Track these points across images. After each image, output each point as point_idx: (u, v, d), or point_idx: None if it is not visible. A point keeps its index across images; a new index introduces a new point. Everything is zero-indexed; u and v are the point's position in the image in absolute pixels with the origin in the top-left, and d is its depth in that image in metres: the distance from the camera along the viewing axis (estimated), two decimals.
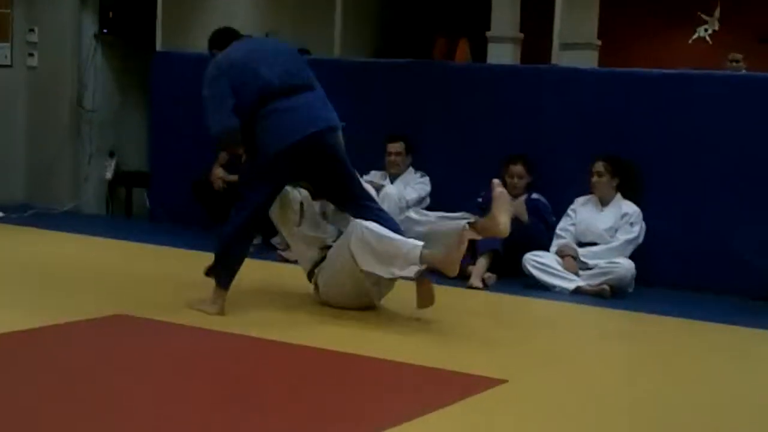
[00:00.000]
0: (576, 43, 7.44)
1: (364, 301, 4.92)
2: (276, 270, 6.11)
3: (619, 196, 6.22)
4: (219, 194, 6.91)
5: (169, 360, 3.99)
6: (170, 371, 3.83)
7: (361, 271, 4.71)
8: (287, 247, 6.38)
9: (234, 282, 4.81)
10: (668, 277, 6.23)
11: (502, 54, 7.87)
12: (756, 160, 6.12)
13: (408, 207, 6.53)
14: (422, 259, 4.56)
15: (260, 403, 3.44)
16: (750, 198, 6.11)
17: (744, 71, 8.27)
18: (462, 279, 5.85)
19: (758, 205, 6.09)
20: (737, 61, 8.80)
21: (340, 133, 4.87)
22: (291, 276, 5.59)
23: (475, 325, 4.92)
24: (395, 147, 6.84)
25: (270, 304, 5.03)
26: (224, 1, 8.54)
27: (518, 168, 6.40)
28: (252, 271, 5.82)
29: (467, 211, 6.22)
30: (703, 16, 11.10)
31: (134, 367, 3.82)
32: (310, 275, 5.08)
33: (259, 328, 4.47)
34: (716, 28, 11.08)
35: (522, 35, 8.19)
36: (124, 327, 4.49)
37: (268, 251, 6.65)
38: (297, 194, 5.11)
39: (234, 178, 6.51)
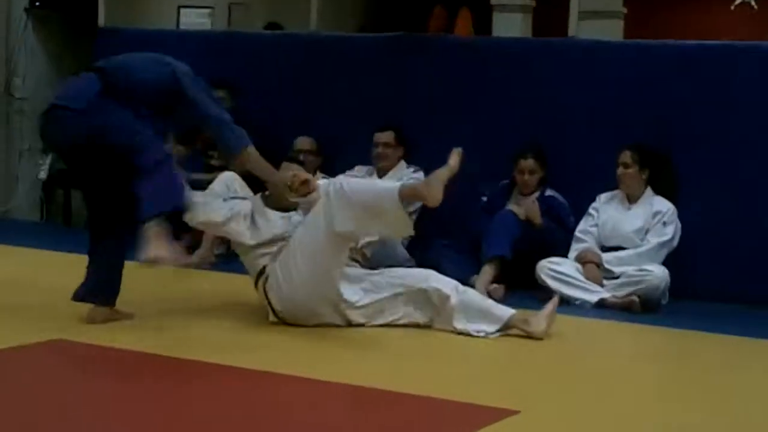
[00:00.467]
0: (598, 12, 7.45)
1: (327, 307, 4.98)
2: (240, 285, 6.01)
3: (649, 191, 6.28)
4: None
5: (112, 392, 4.00)
6: (112, 403, 3.83)
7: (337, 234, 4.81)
8: None
9: (193, 299, 4.99)
10: (708, 287, 6.30)
11: (510, 25, 7.96)
12: None
13: None
14: (401, 196, 4.76)
15: None
16: None
17: None
18: None
19: None
20: None
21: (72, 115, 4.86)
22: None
23: (480, 347, 4.92)
24: (384, 137, 6.88)
25: (232, 324, 5.09)
26: None
27: (529, 163, 6.46)
28: (213, 284, 5.97)
29: (472, 214, 6.29)
30: None
31: (71, 401, 3.82)
32: (260, 275, 5.11)
33: (217, 353, 4.50)
34: None
35: (533, 3, 8.26)
36: (62, 354, 4.50)
37: (234, 262, 6.53)
38: (242, 207, 5.21)
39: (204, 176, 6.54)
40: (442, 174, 4.84)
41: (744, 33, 9.98)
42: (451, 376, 4.40)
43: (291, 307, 5.01)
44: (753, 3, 11.12)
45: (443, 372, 4.48)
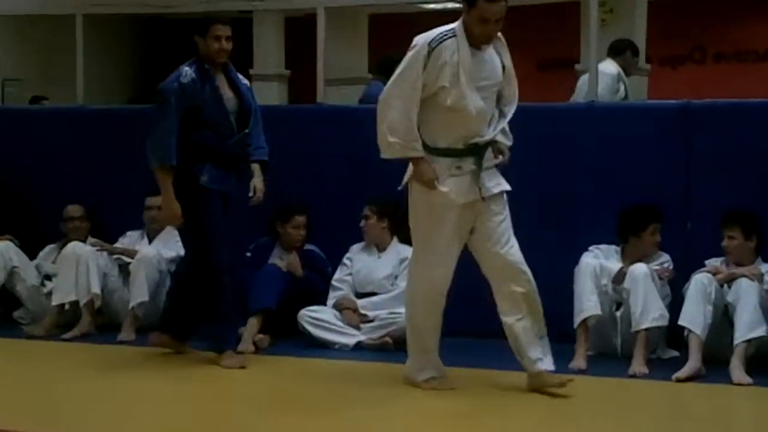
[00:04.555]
0: (342, 78, 7.53)
1: None
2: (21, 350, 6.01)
3: (395, 240, 6.33)
4: None
5: None
6: None
7: None
8: (33, 320, 6.59)
9: None
10: (458, 324, 6.02)
11: (268, 93, 7.85)
12: (538, 188, 6.21)
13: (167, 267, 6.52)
14: None
15: None
16: (538, 236, 6.05)
17: None
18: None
19: (546, 244, 6.10)
20: None
21: None
22: (39, 356, 5.68)
23: (240, 402, 4.91)
24: (156, 201, 6.46)
25: None
26: None
27: (302, 218, 6.43)
28: None
29: (237, 269, 6.06)
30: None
31: None
32: None
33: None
34: None
35: (288, 72, 8.29)
36: None
37: (11, 327, 6.54)
38: None
39: None
40: None
41: None
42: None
43: None
44: None
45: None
